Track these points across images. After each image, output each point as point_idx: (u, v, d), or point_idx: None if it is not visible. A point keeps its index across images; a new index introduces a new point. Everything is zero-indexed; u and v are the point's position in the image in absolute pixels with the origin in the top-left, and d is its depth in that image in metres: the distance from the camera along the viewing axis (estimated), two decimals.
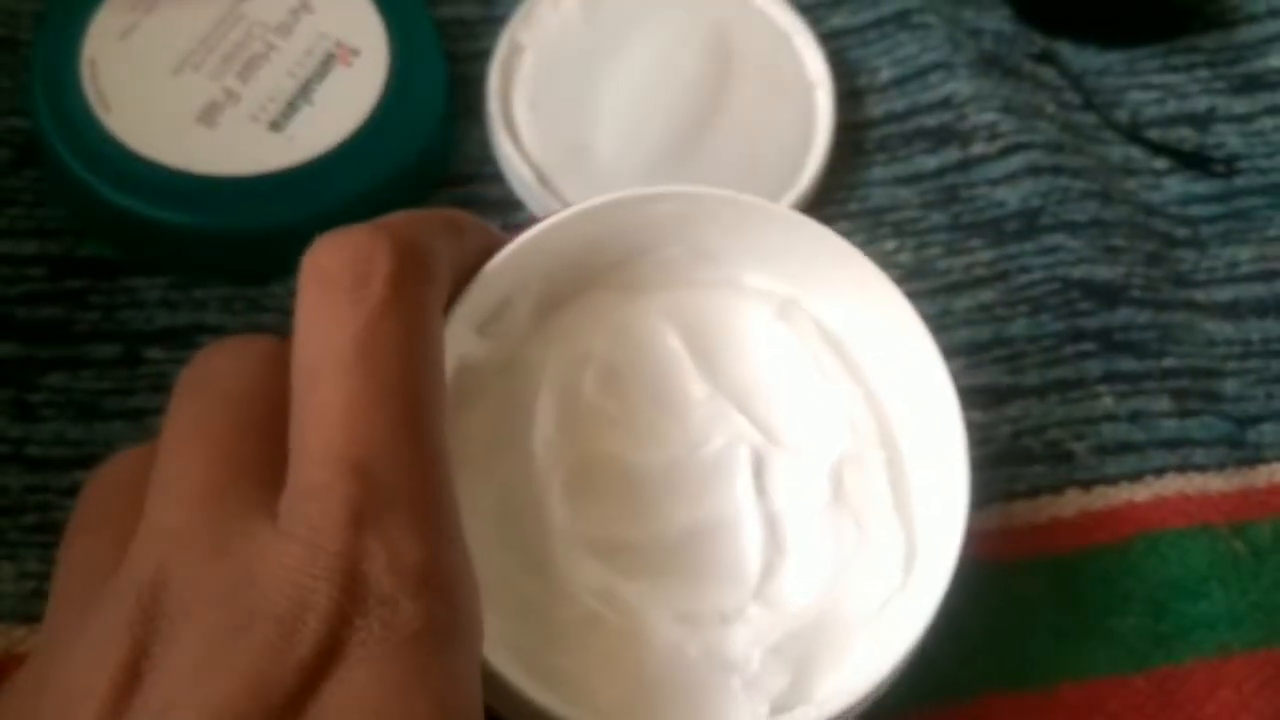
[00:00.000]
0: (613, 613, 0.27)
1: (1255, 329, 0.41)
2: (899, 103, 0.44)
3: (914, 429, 0.30)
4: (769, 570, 0.29)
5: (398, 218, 0.25)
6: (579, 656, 0.27)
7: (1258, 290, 0.42)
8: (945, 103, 0.44)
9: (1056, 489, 0.38)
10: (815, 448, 0.30)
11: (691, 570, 0.28)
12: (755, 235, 0.31)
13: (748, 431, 0.30)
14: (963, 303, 0.41)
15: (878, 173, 0.43)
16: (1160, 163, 0.44)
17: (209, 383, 0.24)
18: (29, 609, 0.34)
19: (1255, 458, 0.39)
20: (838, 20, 0.45)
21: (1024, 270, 0.41)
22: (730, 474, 0.29)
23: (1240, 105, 0.45)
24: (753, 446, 0.29)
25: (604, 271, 0.31)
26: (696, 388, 0.30)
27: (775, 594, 0.28)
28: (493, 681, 0.25)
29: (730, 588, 0.28)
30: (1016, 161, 0.42)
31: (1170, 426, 0.39)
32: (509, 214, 0.41)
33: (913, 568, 0.29)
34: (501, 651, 0.26)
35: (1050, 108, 0.44)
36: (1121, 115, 0.45)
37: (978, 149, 0.43)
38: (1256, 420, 0.40)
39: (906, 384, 0.30)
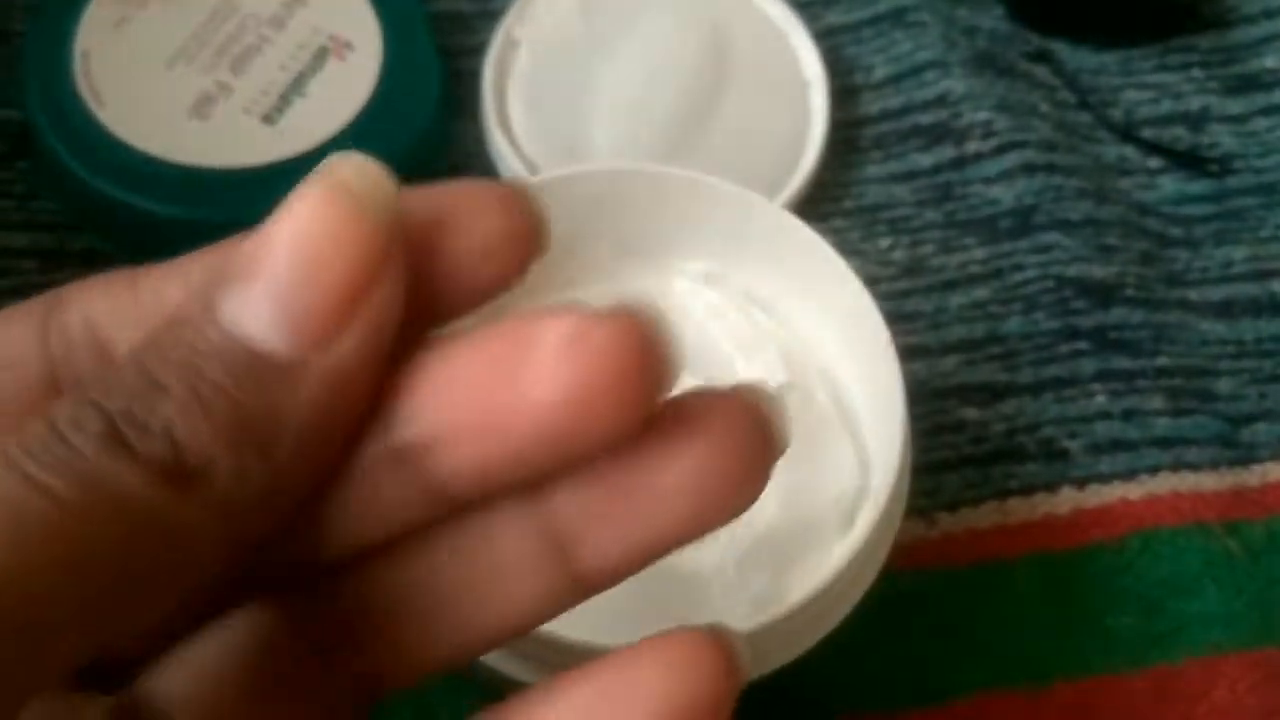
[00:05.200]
0: None
1: (1249, 329, 0.41)
2: (894, 100, 0.44)
3: (850, 359, 0.33)
4: None
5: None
6: None
7: (1251, 290, 0.42)
8: (940, 101, 0.44)
9: (1051, 487, 0.38)
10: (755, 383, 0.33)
11: None
12: (679, 209, 0.34)
13: (689, 385, 0.32)
14: (957, 300, 0.41)
15: (872, 170, 0.43)
16: (1154, 162, 0.44)
17: None
18: None
19: (1249, 457, 0.39)
20: (833, 18, 0.45)
21: (1018, 268, 0.41)
22: None
23: (1234, 105, 0.45)
24: None
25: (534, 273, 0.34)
26: None
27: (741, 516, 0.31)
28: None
29: None
30: (1011, 160, 0.42)
31: (1164, 425, 0.39)
32: None
33: (870, 473, 0.32)
34: None
35: (1045, 106, 0.44)
36: (1116, 114, 0.45)
37: (972, 147, 0.43)
38: (1250, 420, 0.40)
39: (839, 322, 0.33)
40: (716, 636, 0.17)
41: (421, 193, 0.18)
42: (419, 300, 0.18)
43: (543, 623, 0.19)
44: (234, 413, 0.16)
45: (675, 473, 0.17)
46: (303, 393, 0.16)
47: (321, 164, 0.17)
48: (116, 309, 0.19)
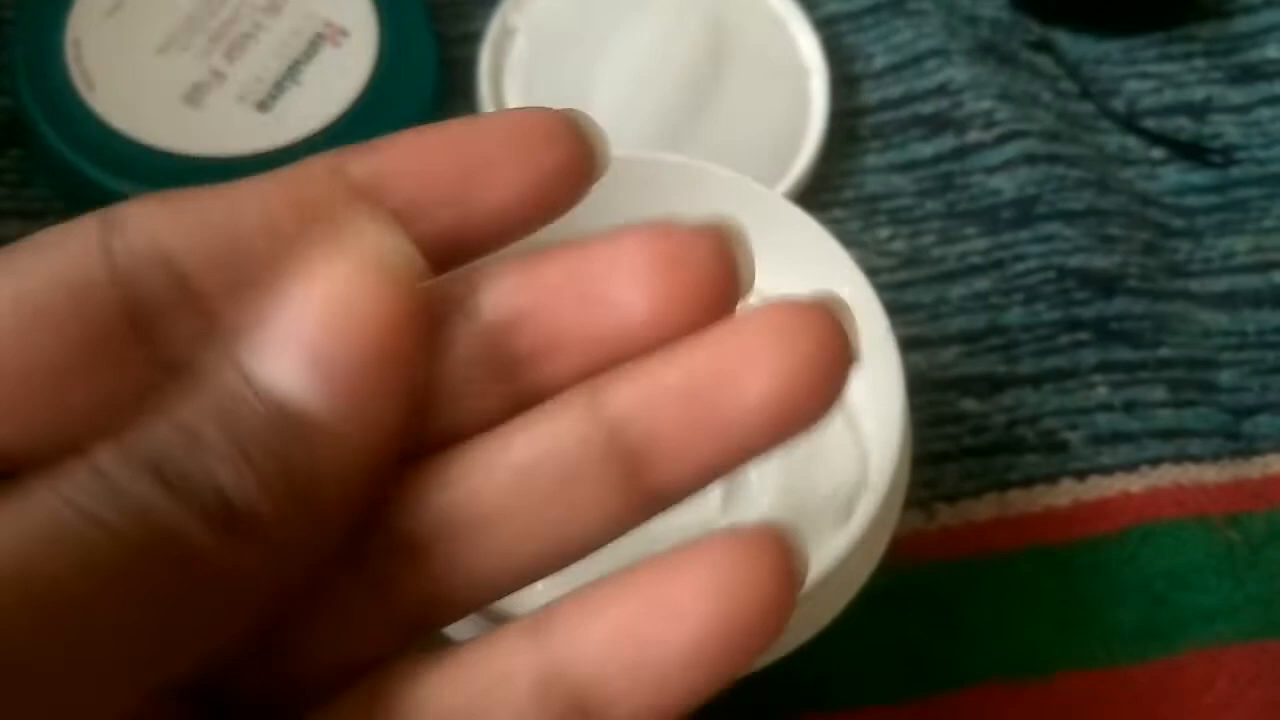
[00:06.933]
0: None
1: (1251, 320, 0.41)
2: (894, 89, 0.44)
3: None
4: (730, 489, 0.31)
5: None
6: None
7: (1253, 281, 0.42)
8: (941, 90, 0.43)
9: (1051, 479, 0.37)
10: None
11: None
12: (677, 197, 0.33)
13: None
14: (958, 291, 0.40)
15: (873, 160, 0.42)
16: (1157, 152, 0.44)
17: None
18: None
19: (1250, 449, 0.39)
20: (833, 6, 0.45)
21: (1019, 259, 0.41)
22: None
23: (1237, 95, 0.45)
24: None
25: None
26: None
27: (738, 504, 0.31)
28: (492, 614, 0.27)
29: (693, 511, 0.31)
30: (1012, 149, 0.42)
31: (1165, 417, 0.38)
32: None
33: (868, 465, 0.32)
34: None
35: (1047, 96, 0.44)
36: (1118, 104, 0.44)
37: (974, 136, 0.42)
38: (1252, 411, 0.39)
39: None
40: (770, 540, 0.16)
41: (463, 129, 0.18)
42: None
43: (604, 544, 0.18)
44: (275, 463, 0.16)
45: (756, 384, 0.17)
46: (343, 453, 0.16)
47: (342, 232, 0.17)
48: (183, 227, 0.18)
